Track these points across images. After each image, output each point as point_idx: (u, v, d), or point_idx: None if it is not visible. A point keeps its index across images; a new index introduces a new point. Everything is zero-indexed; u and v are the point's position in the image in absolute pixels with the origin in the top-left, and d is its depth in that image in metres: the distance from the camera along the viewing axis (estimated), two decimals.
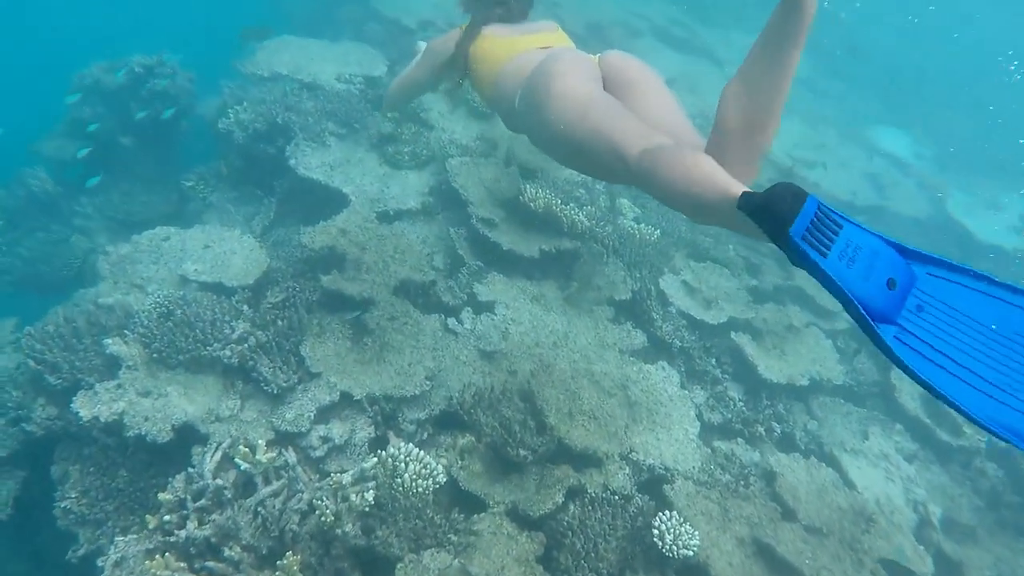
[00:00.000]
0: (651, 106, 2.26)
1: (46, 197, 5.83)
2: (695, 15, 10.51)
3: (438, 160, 5.45)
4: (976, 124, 11.79)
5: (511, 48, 2.74)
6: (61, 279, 5.48)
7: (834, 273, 1.33)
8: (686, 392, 4.51)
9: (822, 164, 7.97)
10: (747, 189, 1.53)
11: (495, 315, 4.36)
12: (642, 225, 5.47)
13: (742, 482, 4.23)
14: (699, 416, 4.44)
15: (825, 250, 1.34)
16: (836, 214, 1.38)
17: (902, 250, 1.40)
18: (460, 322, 4.26)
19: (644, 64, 2.45)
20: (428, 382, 3.76)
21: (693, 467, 4.07)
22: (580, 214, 4.96)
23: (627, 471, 3.84)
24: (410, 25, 7.34)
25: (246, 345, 3.63)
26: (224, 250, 4.22)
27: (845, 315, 5.84)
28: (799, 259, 1.37)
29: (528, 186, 4.93)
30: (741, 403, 4.74)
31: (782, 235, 1.37)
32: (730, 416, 4.65)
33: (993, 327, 1.31)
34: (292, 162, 4.93)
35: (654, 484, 3.92)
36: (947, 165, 10.17)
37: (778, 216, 1.37)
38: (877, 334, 1.31)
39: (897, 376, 5.54)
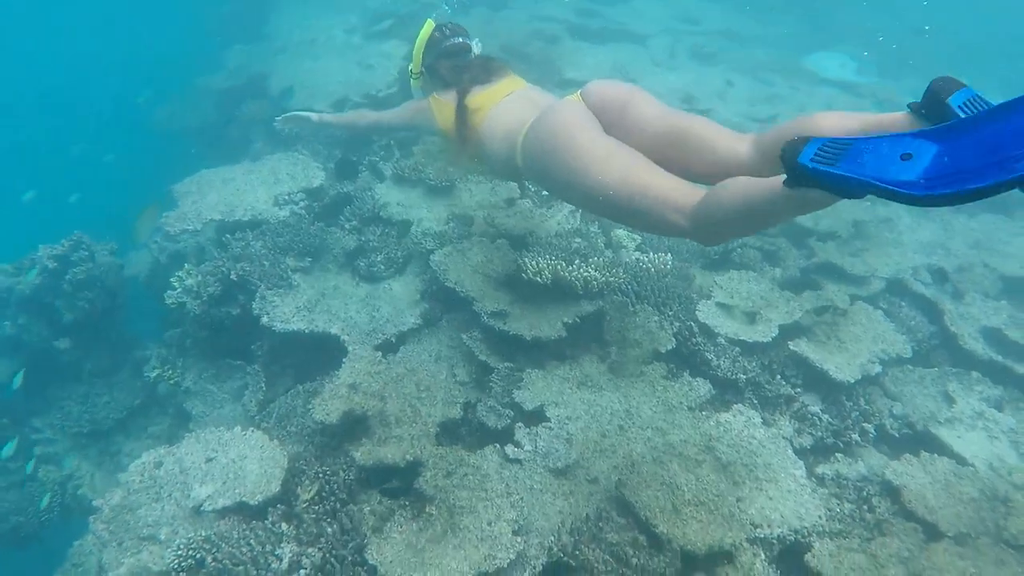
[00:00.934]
0: (649, 116, 2.59)
1: None
2: None
3: (417, 257, 4.95)
4: (891, 19, 11.75)
5: (481, 106, 3.04)
6: (42, 524, 4.82)
7: (848, 172, 1.58)
8: (773, 429, 4.12)
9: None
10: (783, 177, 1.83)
11: (550, 422, 3.89)
12: (651, 254, 5.07)
13: (865, 507, 3.87)
14: (795, 450, 4.06)
15: (835, 161, 1.62)
16: (841, 139, 1.66)
17: (913, 134, 1.57)
18: (519, 445, 3.77)
19: (619, 83, 2.75)
20: (519, 538, 3.27)
21: (819, 516, 3.68)
22: (590, 269, 4.52)
23: (762, 556, 3.43)
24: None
25: (302, 573, 3.09)
26: (232, 458, 3.65)
27: (878, 275, 5.59)
28: (814, 176, 1.66)
29: (527, 260, 4.47)
30: (825, 415, 4.37)
31: (796, 167, 1.69)
32: (820, 433, 4.27)
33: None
34: (265, 320, 4.37)
35: (794, 557, 3.51)
36: (888, 71, 10.05)
37: (789, 155, 1.71)
38: (910, 195, 1.45)
39: (953, 322, 5.26)
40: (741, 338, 4.51)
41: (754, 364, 4.45)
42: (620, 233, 5.45)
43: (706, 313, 4.65)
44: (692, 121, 2.56)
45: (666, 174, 2.38)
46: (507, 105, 2.95)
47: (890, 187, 1.49)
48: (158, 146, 8.59)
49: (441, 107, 3.17)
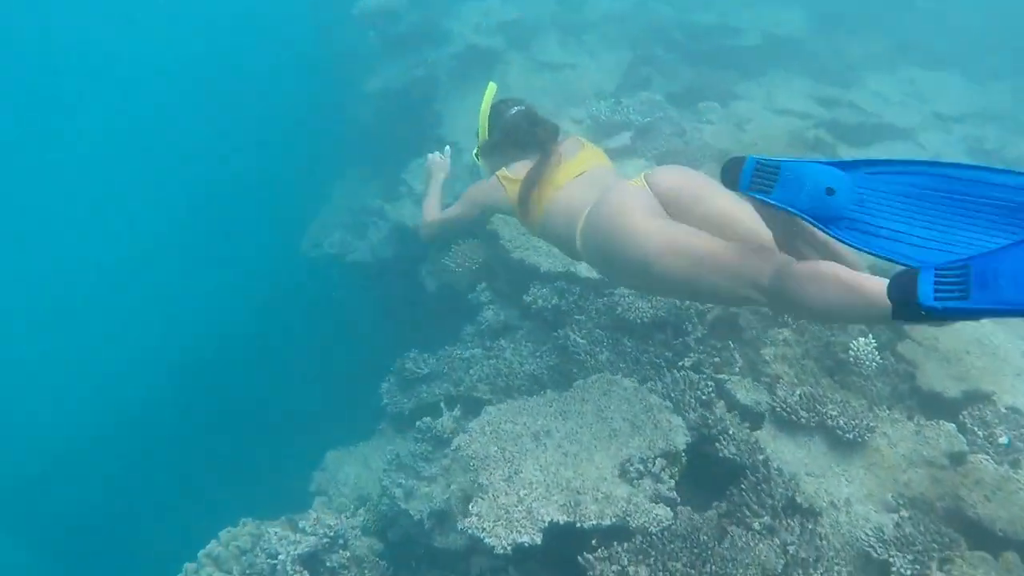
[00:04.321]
0: (718, 208, 2.44)
1: None
2: None
3: (868, 570, 3.26)
4: None
5: (552, 181, 2.90)
6: None
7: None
8: None
9: None
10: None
11: None
12: None
13: None
14: None
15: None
16: (957, 262, 1.48)
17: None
18: None
19: (687, 170, 2.70)
20: None
21: None
22: None
23: None
24: (551, 268, 5.22)
25: None
26: None
27: None
28: (943, 315, 1.48)
29: None
30: None
31: (915, 308, 1.49)
32: None
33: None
34: None
35: None
36: None
37: (899, 292, 1.55)
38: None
39: None
40: None
41: None
42: None
43: None
44: (755, 225, 2.30)
45: (726, 243, 2.25)
46: (574, 186, 2.86)
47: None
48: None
49: (513, 184, 3.01)
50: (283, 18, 12.25)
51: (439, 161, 3.69)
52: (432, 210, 3.49)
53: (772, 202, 1.79)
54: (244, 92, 13.07)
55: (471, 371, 5.21)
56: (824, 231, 1.75)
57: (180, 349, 9.89)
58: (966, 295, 1.41)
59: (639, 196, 2.51)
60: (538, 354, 5.16)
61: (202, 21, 14.48)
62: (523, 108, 3.20)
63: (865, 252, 1.71)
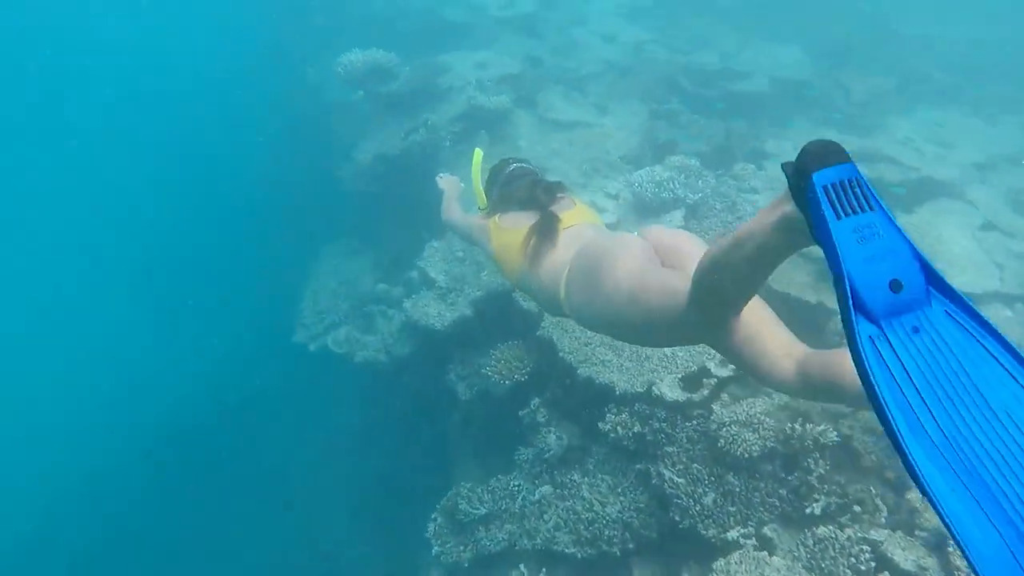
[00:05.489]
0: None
1: None
2: None
3: None
4: None
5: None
6: None
7: (838, 238, 1.25)
8: None
9: None
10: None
11: None
12: None
13: None
14: None
15: (842, 214, 1.27)
16: (873, 194, 1.29)
17: (927, 268, 1.28)
18: None
19: (675, 230, 2.53)
20: None
21: None
22: None
23: None
24: (664, 393, 4.56)
25: None
26: None
27: None
28: (809, 209, 1.31)
29: None
30: None
31: (804, 179, 1.30)
32: None
33: (977, 389, 1.17)
34: None
35: None
36: None
37: (808, 159, 1.30)
38: (852, 321, 1.21)
39: None
40: None
41: None
42: None
43: None
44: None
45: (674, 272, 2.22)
46: (561, 238, 2.78)
47: (847, 297, 1.22)
48: None
49: (500, 233, 3.01)
50: (253, 67, 11.42)
51: (448, 179, 3.80)
52: (451, 210, 3.61)
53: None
54: (215, 144, 12.20)
55: (545, 516, 4.51)
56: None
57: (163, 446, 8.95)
58: (839, 216, 1.25)
59: (635, 241, 2.44)
60: (619, 490, 4.51)
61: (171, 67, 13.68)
62: (521, 165, 3.25)
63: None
